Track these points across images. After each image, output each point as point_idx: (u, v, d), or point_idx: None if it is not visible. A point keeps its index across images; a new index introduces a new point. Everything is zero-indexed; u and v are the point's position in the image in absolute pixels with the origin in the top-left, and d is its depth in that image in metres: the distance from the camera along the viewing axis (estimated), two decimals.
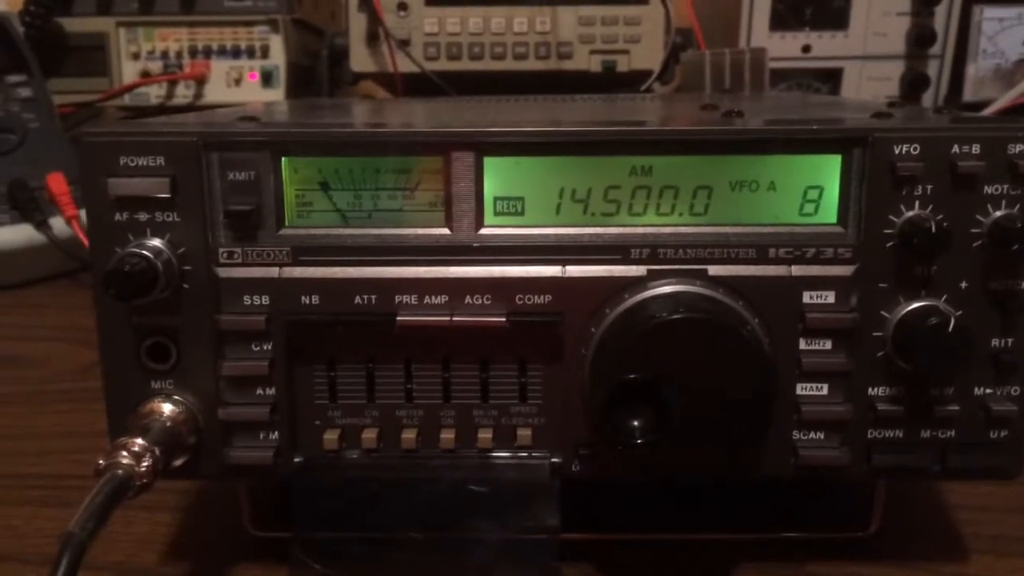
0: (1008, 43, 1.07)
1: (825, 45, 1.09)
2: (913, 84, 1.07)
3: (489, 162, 0.38)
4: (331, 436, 0.40)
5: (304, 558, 0.40)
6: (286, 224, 0.39)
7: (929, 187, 0.37)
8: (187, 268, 0.38)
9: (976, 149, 0.36)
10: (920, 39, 1.06)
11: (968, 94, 1.08)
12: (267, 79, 1.15)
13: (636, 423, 0.36)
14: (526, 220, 0.39)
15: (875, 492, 0.44)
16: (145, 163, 0.37)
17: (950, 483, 0.49)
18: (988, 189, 0.37)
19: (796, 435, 0.39)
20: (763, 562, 0.43)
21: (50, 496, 0.50)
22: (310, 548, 0.40)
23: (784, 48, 1.08)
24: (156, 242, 0.37)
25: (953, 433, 0.39)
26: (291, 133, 0.38)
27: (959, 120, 0.39)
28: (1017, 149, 0.36)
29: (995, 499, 0.48)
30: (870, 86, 1.09)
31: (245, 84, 1.15)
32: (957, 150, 0.36)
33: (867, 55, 1.09)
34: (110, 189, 0.37)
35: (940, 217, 0.36)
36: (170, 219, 0.38)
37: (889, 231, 0.37)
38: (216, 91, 1.16)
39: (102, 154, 0.37)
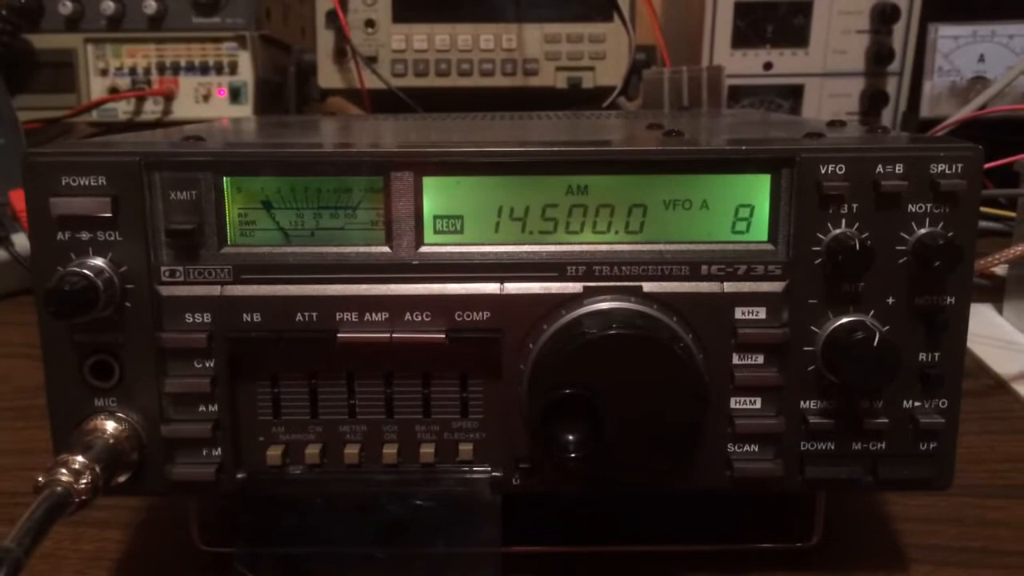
0: (963, 61, 1.09)
1: (786, 62, 1.10)
2: (873, 101, 1.09)
3: (428, 182, 0.39)
4: (274, 452, 0.41)
5: (246, 574, 0.40)
6: (228, 243, 0.39)
7: (855, 205, 0.38)
8: (129, 287, 0.38)
9: (899, 169, 0.37)
10: (879, 56, 1.08)
11: (925, 110, 1.10)
12: (235, 95, 1.15)
13: (571, 437, 0.37)
14: (465, 238, 0.39)
15: (816, 503, 0.44)
16: (87, 183, 0.37)
17: (891, 495, 0.50)
18: (912, 207, 0.38)
19: (731, 448, 0.40)
20: (707, 573, 0.44)
21: (1, 514, 0.50)
22: (253, 564, 0.40)
23: (746, 65, 1.10)
24: (97, 261, 0.38)
25: (883, 445, 0.40)
26: (232, 153, 0.39)
27: (885, 140, 0.40)
28: (939, 168, 0.37)
29: (934, 510, 0.49)
30: (831, 103, 1.11)
31: (213, 100, 1.16)
32: (881, 170, 0.37)
33: (827, 72, 1.10)
34: (52, 208, 0.38)
35: (865, 235, 0.37)
36: (112, 238, 0.38)
37: (817, 248, 0.38)
38: (184, 107, 1.16)
39: (44, 174, 0.38)
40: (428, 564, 0.41)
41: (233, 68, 1.15)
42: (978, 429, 0.59)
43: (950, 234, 0.37)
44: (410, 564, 0.41)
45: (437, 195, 0.39)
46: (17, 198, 0.85)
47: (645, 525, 0.47)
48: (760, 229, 0.39)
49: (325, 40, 1.12)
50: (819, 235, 0.38)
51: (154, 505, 0.50)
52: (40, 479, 0.36)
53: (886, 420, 0.40)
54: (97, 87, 1.16)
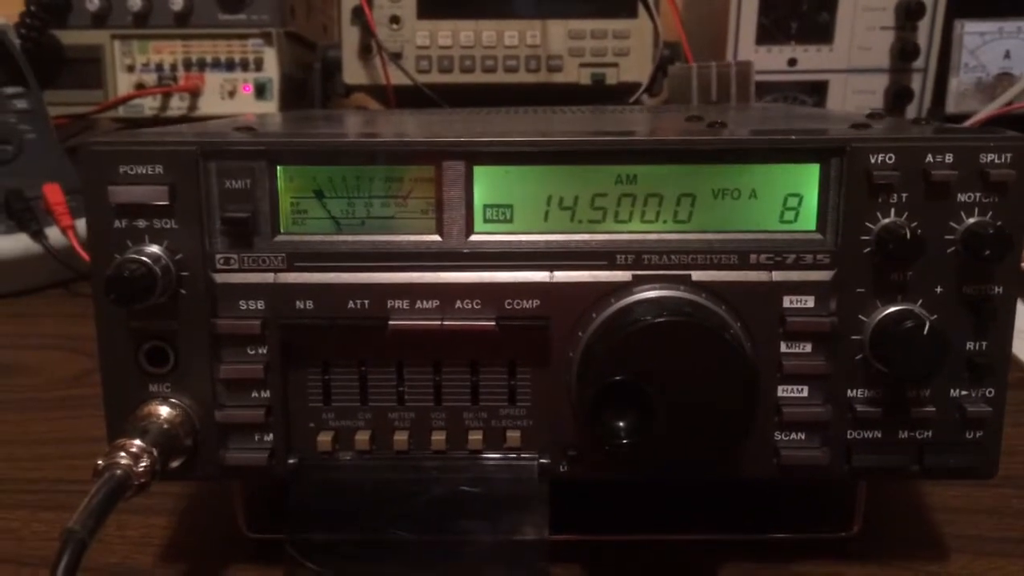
0: (989, 57, 1.08)
1: (811, 59, 1.10)
2: (897, 97, 1.09)
3: (479, 171, 0.39)
4: (325, 438, 0.41)
5: (298, 558, 0.41)
6: (281, 231, 0.40)
7: (904, 195, 0.38)
8: (184, 274, 0.39)
9: (949, 158, 0.38)
10: (904, 53, 1.08)
11: (951, 107, 1.10)
12: (261, 91, 1.16)
13: (621, 424, 0.37)
14: (515, 227, 0.40)
15: (857, 493, 0.45)
16: (144, 171, 0.38)
17: (929, 486, 0.50)
18: (961, 197, 0.38)
19: (778, 436, 0.40)
20: (749, 562, 0.44)
21: (46, 500, 0.51)
22: (303, 548, 0.41)
23: (770, 62, 1.10)
24: (154, 248, 0.38)
25: (930, 434, 0.40)
26: (287, 143, 0.39)
27: (934, 130, 0.40)
28: (989, 158, 0.38)
29: (973, 501, 0.49)
30: (855, 99, 1.11)
31: (239, 96, 1.16)
32: (931, 159, 0.38)
33: (852, 68, 1.10)
34: (110, 196, 0.38)
35: (915, 224, 0.38)
36: (168, 226, 0.38)
37: (866, 237, 0.38)
38: (210, 103, 1.17)
39: (103, 162, 0.38)
40: (475, 550, 0.41)
41: (259, 64, 1.16)
42: (1012, 421, 0.59)
43: (999, 223, 0.38)
44: (458, 550, 0.41)
45: (487, 184, 0.39)
46: (51, 192, 0.86)
47: (686, 514, 0.47)
48: (808, 218, 0.39)
49: (350, 36, 1.13)
50: (868, 224, 0.38)
51: (199, 492, 0.51)
52: (100, 462, 0.36)
53: (933, 409, 0.40)
54: (124, 83, 1.17)
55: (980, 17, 1.08)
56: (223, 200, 0.39)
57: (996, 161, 0.38)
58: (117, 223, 0.38)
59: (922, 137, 0.38)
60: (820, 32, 1.10)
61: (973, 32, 1.08)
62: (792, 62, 1.10)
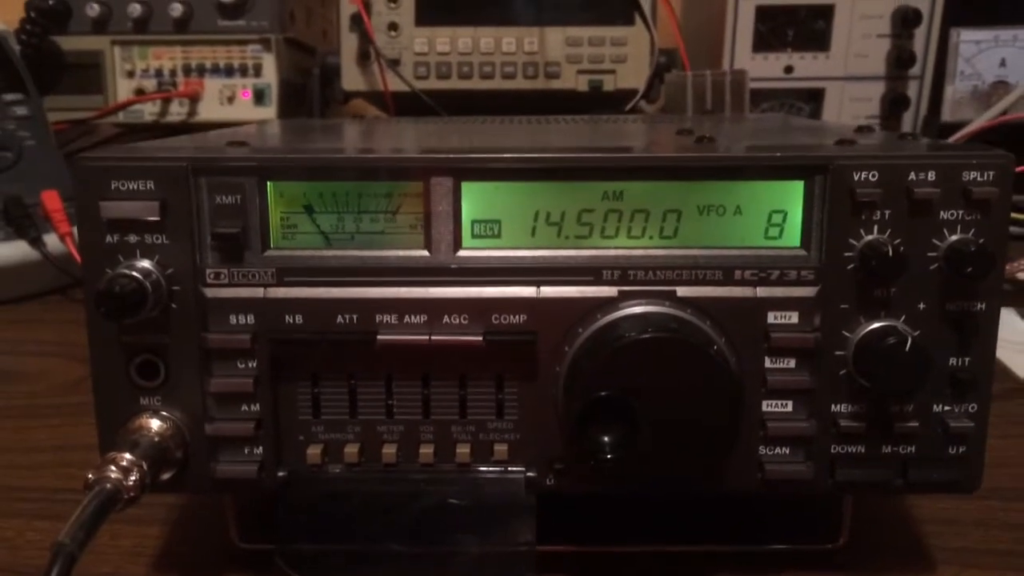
0: (985, 65, 1.09)
1: (807, 66, 1.11)
2: (893, 105, 1.09)
3: (467, 187, 0.40)
4: (314, 451, 0.42)
5: (287, 569, 0.41)
6: (271, 246, 0.40)
7: (887, 212, 0.38)
8: (175, 288, 0.39)
9: (932, 176, 0.38)
10: (900, 60, 1.08)
11: (946, 115, 1.10)
12: (259, 97, 1.16)
13: (607, 439, 0.38)
14: (502, 243, 0.40)
15: (843, 506, 0.45)
16: (136, 187, 0.38)
17: (916, 498, 0.50)
18: (944, 214, 0.38)
19: (762, 450, 0.41)
20: (736, 573, 0.44)
21: (42, 509, 0.51)
22: (293, 560, 0.41)
23: (767, 69, 1.10)
24: (145, 263, 0.39)
25: (913, 449, 0.40)
26: (276, 159, 0.40)
27: (919, 147, 0.41)
28: (971, 176, 0.38)
29: (959, 513, 0.49)
30: (852, 106, 1.11)
31: (238, 102, 1.17)
32: (914, 177, 0.38)
33: (848, 76, 1.11)
34: (102, 212, 0.38)
35: (897, 241, 0.38)
36: (159, 241, 0.39)
37: (849, 254, 0.39)
38: (209, 109, 1.18)
39: (95, 178, 0.38)
40: (463, 562, 0.41)
41: (257, 70, 1.16)
42: (1000, 433, 0.59)
43: (981, 241, 0.38)
44: (446, 562, 0.42)
45: (476, 200, 0.40)
46: (49, 199, 0.87)
47: (673, 526, 0.48)
48: (793, 235, 0.40)
49: (349, 43, 1.13)
50: (852, 241, 0.38)
51: (192, 502, 0.51)
52: (90, 476, 0.37)
53: (916, 424, 0.40)
54: (124, 88, 1.18)
55: (976, 25, 1.08)
56: (214, 215, 0.39)
57: (979, 179, 0.38)
58: (109, 238, 0.39)
59: (905, 155, 0.38)
60: (817, 39, 1.10)
61: (969, 40, 1.08)
62: (788, 69, 1.11)
